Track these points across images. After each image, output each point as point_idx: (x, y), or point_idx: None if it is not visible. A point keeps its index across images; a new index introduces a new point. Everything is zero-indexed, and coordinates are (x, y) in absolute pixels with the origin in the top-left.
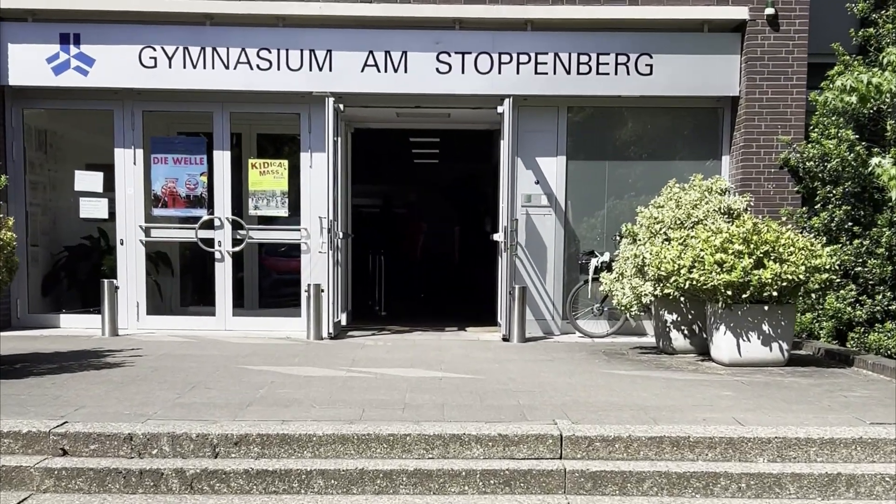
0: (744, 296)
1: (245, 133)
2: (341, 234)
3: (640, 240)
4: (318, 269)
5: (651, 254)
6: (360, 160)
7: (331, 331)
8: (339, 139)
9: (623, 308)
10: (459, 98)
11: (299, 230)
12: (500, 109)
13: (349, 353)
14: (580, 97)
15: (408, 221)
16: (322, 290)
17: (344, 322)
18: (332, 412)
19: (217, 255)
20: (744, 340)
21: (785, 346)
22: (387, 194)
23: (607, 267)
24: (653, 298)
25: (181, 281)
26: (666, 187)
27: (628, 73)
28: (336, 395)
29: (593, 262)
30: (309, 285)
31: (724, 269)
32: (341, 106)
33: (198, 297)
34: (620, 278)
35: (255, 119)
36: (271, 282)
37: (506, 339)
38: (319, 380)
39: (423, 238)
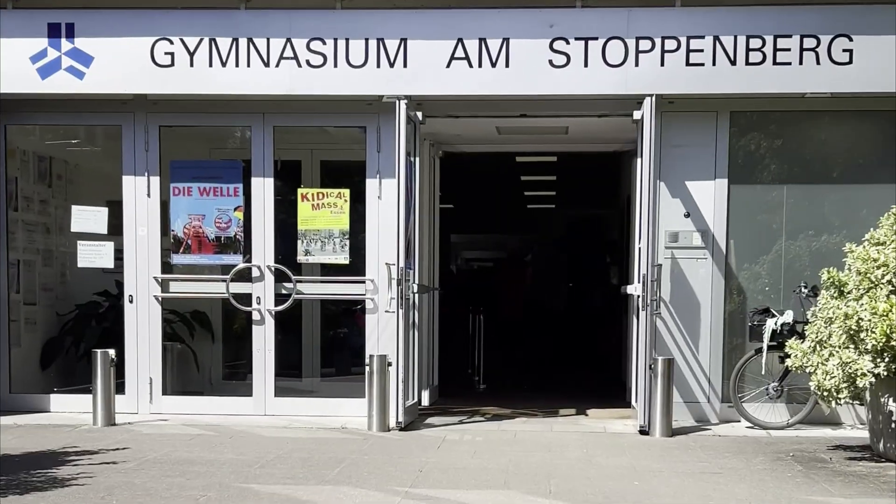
0: None
1: (305, 160)
2: (416, 288)
3: (850, 292)
4: (387, 333)
5: (873, 313)
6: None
7: (400, 419)
8: (418, 160)
9: (824, 393)
10: (580, 102)
11: (363, 282)
12: (637, 115)
13: (418, 458)
14: (748, 97)
15: (514, 272)
16: (389, 364)
17: (426, 401)
18: None
19: (255, 316)
20: None
21: None
22: (490, 242)
23: (790, 330)
24: (873, 379)
25: (224, 348)
26: (887, 216)
27: (818, 62)
28: None
29: (769, 324)
30: (372, 357)
31: None
32: (419, 114)
33: (244, 369)
34: (819, 348)
35: (319, 141)
36: (327, 350)
37: (644, 430)
38: None
39: (531, 292)
